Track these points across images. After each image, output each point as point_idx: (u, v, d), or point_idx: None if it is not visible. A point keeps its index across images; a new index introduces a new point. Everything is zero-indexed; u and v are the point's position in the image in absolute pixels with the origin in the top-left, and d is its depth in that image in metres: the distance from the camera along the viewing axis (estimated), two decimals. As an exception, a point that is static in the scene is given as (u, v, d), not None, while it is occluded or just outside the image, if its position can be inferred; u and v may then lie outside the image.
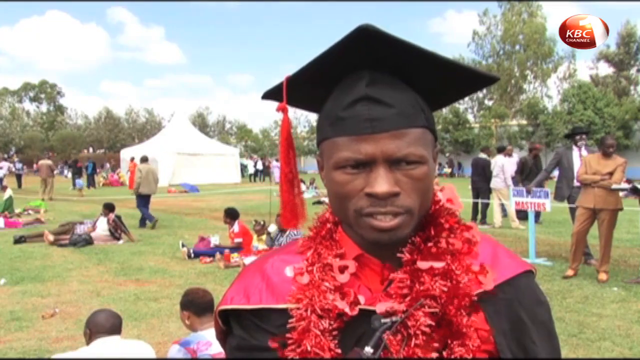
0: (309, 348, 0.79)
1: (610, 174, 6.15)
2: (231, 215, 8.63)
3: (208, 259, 8.00)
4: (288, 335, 0.81)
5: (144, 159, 12.78)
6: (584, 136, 7.63)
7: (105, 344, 2.77)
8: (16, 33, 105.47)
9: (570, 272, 6.49)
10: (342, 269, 0.84)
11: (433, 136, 0.84)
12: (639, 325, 4.80)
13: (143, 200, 11.80)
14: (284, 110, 0.86)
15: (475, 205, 11.87)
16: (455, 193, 0.90)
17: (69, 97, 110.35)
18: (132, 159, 23.41)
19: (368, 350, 0.74)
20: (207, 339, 2.86)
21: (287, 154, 0.88)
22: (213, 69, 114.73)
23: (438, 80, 0.84)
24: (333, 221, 0.90)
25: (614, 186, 6.08)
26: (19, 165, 30.56)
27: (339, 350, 0.79)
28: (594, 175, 6.22)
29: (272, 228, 8.56)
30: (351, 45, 0.78)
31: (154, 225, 11.43)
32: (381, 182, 0.76)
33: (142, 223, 11.69)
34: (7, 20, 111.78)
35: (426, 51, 0.79)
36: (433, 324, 0.77)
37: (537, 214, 10.19)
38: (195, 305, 3.03)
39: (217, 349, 2.78)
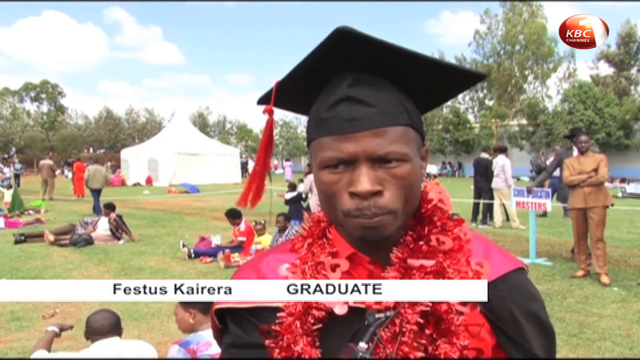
0: (285, 344, 0.81)
1: (595, 170, 6.20)
2: (234, 215, 8.63)
3: (208, 259, 8.01)
4: (274, 327, 0.83)
5: (95, 161, 16.86)
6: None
7: (105, 347, 2.77)
8: (14, 33, 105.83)
9: (580, 273, 6.49)
10: (334, 267, 0.85)
11: (419, 135, 0.85)
12: (639, 325, 4.79)
13: (94, 194, 14.59)
14: (269, 113, 0.89)
15: (476, 205, 11.90)
16: (445, 194, 0.90)
17: (68, 97, 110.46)
18: (78, 160, 23.52)
19: (362, 345, 0.74)
20: (207, 339, 2.86)
21: (266, 150, 0.92)
22: (212, 69, 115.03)
23: (423, 78, 0.84)
24: (327, 220, 0.91)
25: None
26: (18, 166, 31.05)
27: (318, 351, 0.81)
28: (580, 175, 6.25)
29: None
30: (331, 48, 0.79)
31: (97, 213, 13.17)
32: (363, 181, 0.77)
33: (96, 211, 13.89)
34: (5, 21, 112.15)
35: (404, 50, 0.80)
36: (422, 321, 0.78)
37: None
38: (204, 303, 3.03)
39: (217, 349, 2.77)
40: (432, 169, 37.30)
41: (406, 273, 0.81)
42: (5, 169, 29.30)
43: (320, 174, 0.82)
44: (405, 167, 0.79)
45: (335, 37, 0.77)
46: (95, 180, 14.60)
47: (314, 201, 9.86)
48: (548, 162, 11.52)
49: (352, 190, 0.78)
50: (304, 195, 10.37)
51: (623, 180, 22.31)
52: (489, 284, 0.83)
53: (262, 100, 0.90)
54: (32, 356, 2.99)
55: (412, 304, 0.78)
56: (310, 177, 10.07)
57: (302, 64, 0.83)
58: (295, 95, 0.90)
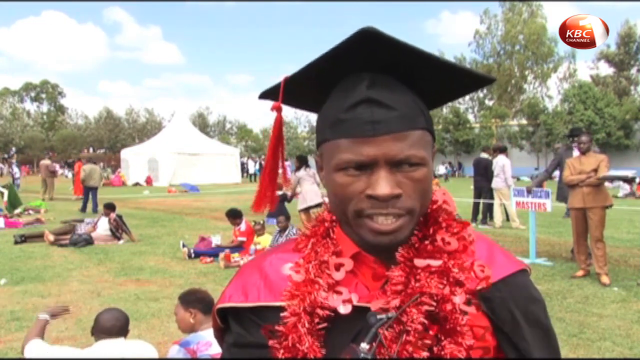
0: (290, 344, 0.80)
1: (595, 170, 6.21)
2: (234, 215, 8.64)
3: (208, 259, 8.00)
4: (277, 327, 0.82)
5: (89, 160, 17.96)
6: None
7: (107, 346, 2.77)
8: (13, 33, 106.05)
9: (580, 273, 6.49)
10: (338, 267, 0.85)
11: (432, 137, 0.85)
12: (639, 325, 4.79)
13: (88, 191, 15.43)
14: (278, 110, 0.88)
15: (476, 205, 11.89)
16: (449, 196, 0.90)
17: (68, 97, 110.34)
18: (79, 160, 23.72)
19: (364, 346, 0.74)
20: (207, 339, 2.86)
21: (275, 150, 0.90)
22: (211, 69, 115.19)
23: (436, 81, 0.84)
24: (330, 220, 0.90)
25: (603, 175, 6.07)
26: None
27: (323, 350, 0.80)
28: (580, 175, 6.27)
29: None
30: (353, 47, 0.78)
31: (83, 210, 15.03)
32: (383, 185, 0.76)
33: (95, 209, 14.81)
34: (4, 21, 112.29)
35: (426, 53, 0.80)
36: (426, 322, 0.77)
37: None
38: (204, 303, 3.04)
39: (217, 349, 2.78)
40: (441, 169, 37.38)
41: (411, 272, 0.81)
42: (16, 169, 29.51)
43: (335, 176, 0.80)
44: (423, 170, 0.79)
45: (360, 37, 0.76)
46: (92, 178, 15.39)
47: (301, 204, 9.91)
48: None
49: (371, 193, 0.77)
50: (288, 196, 10.35)
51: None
52: (491, 285, 0.83)
53: (265, 95, 0.89)
54: (28, 346, 2.96)
55: (417, 304, 0.78)
56: (298, 174, 9.99)
57: (319, 61, 0.81)
58: (304, 92, 0.88)
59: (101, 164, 30.40)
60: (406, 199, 0.78)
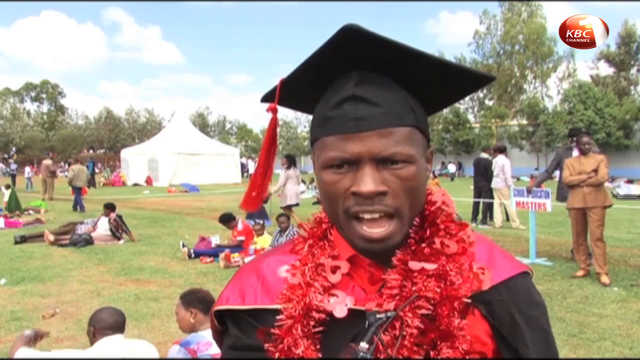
0: (286, 347, 0.80)
1: (595, 171, 6.22)
2: (228, 219, 8.68)
3: (208, 259, 8.00)
4: (273, 330, 0.82)
5: (77, 160, 18.61)
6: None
7: (108, 344, 2.78)
8: (13, 33, 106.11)
9: (580, 273, 6.49)
10: (334, 269, 0.84)
11: (424, 136, 0.84)
12: (639, 325, 4.79)
13: (77, 191, 15.97)
14: (273, 111, 0.88)
15: (476, 205, 11.90)
16: (448, 196, 0.89)
17: (68, 97, 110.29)
18: (74, 162, 23.86)
19: (363, 345, 0.73)
20: (208, 339, 2.87)
21: (268, 149, 0.90)
22: (211, 69, 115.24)
23: (431, 79, 0.83)
24: (328, 221, 0.90)
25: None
26: (13, 166, 31.67)
27: (319, 354, 0.80)
28: (580, 175, 6.27)
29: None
30: (337, 46, 0.78)
31: (80, 210, 15.25)
32: (367, 181, 0.76)
33: (75, 208, 15.50)
34: (4, 21, 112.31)
35: (412, 49, 0.79)
36: (422, 326, 0.77)
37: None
38: (205, 303, 3.04)
39: (217, 349, 2.77)
40: (451, 168, 37.42)
41: (407, 276, 0.80)
42: (27, 168, 29.59)
43: (323, 174, 0.80)
44: (411, 168, 0.78)
45: (343, 34, 0.76)
46: (79, 179, 16.05)
47: (282, 202, 10.24)
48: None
49: (355, 190, 0.76)
50: (272, 191, 10.68)
51: (630, 182, 22.09)
52: (491, 287, 0.83)
53: (266, 98, 0.89)
54: (17, 355, 2.94)
55: (413, 307, 0.77)
56: (288, 172, 10.37)
57: (308, 61, 0.82)
58: (300, 93, 0.88)
59: (92, 164, 30.33)
60: (393, 197, 0.77)
